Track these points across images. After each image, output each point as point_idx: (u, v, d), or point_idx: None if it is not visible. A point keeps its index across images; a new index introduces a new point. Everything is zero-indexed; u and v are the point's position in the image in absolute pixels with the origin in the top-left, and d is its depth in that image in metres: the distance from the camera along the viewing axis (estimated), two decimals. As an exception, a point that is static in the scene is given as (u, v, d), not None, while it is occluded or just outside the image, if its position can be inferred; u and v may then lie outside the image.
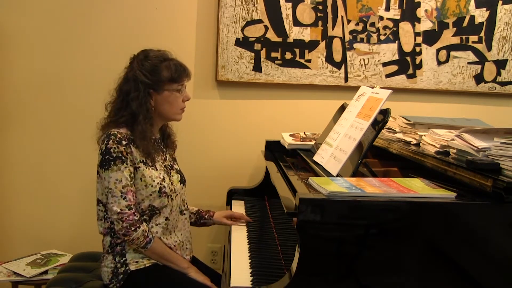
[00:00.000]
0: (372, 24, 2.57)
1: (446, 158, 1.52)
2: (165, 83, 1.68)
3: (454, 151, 1.52)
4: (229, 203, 2.28)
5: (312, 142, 2.13)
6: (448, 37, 2.61)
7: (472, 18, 2.60)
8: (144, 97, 1.66)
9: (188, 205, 1.93)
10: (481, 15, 2.60)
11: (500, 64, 2.66)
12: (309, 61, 2.57)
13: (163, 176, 1.71)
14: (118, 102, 1.70)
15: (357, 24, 2.56)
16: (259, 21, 2.51)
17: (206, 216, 2.01)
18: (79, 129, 2.49)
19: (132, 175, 1.64)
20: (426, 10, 2.58)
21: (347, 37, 2.56)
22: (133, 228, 1.60)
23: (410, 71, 2.62)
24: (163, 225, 1.71)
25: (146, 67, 1.67)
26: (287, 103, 2.64)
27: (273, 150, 2.34)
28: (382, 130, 1.79)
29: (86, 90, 2.51)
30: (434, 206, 1.28)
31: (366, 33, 2.57)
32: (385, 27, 2.57)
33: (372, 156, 2.01)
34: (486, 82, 2.66)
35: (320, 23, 2.54)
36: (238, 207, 2.20)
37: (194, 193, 2.05)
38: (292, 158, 2.16)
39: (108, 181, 1.61)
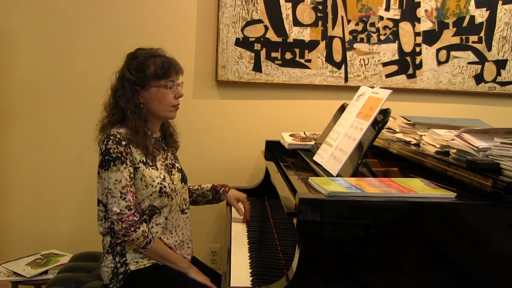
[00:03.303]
0: (372, 24, 2.56)
1: (446, 158, 1.51)
2: (150, 79, 1.69)
3: (454, 151, 1.52)
4: (229, 203, 2.27)
5: (312, 142, 2.13)
6: (448, 37, 2.61)
7: (472, 18, 2.60)
8: (131, 92, 1.67)
9: (202, 183, 2.00)
10: (481, 15, 2.60)
11: (500, 64, 2.65)
12: (309, 61, 2.57)
13: (164, 176, 1.71)
14: (110, 100, 1.73)
15: (357, 24, 2.56)
16: (259, 21, 2.51)
17: (221, 191, 2.02)
18: (79, 129, 2.49)
19: (132, 175, 1.64)
20: (426, 10, 2.58)
21: (347, 37, 2.56)
22: (132, 229, 1.60)
23: (410, 71, 2.62)
24: (163, 225, 1.71)
25: (133, 65, 1.69)
26: (287, 103, 2.63)
27: (273, 150, 2.33)
28: (382, 130, 1.79)
29: (86, 90, 2.51)
30: (434, 206, 1.28)
31: (366, 33, 2.57)
32: (385, 27, 2.57)
33: (372, 156, 2.01)
34: (486, 82, 2.66)
35: (320, 23, 2.54)
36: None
37: (194, 193, 2.06)
38: (292, 158, 2.15)
39: (108, 182, 1.61)
